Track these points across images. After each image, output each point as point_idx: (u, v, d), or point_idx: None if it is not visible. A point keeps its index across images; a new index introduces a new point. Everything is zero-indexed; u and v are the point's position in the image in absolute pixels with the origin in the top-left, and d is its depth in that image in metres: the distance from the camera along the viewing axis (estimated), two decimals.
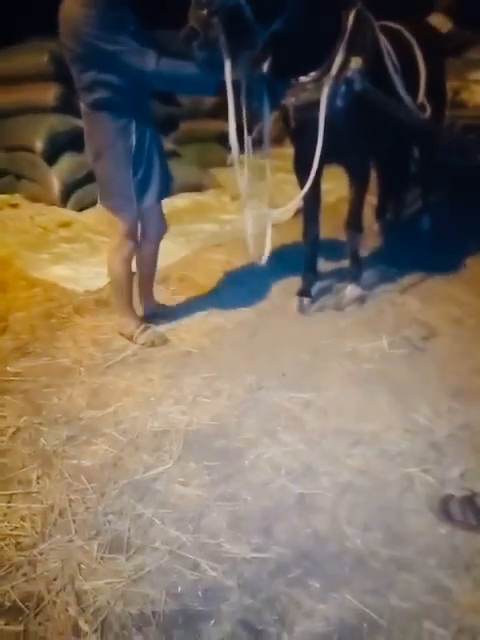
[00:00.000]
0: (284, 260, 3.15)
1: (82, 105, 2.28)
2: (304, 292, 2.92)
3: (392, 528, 1.71)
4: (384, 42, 2.47)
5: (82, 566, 1.64)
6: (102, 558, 1.67)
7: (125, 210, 2.38)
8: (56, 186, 4.15)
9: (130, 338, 2.60)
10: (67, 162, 4.15)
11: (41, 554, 1.68)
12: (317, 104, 2.27)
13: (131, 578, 1.60)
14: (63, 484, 1.91)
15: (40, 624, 1.50)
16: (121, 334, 2.64)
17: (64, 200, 4.19)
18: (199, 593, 1.56)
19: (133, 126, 2.25)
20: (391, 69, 2.49)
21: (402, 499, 1.80)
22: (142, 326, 2.61)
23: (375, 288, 2.98)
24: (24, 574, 1.63)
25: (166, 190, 2.51)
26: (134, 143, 2.26)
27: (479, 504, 1.69)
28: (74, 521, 1.77)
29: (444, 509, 1.72)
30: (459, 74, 3.45)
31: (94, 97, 2.20)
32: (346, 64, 2.29)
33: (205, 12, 1.78)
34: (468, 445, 1.98)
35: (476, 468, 1.89)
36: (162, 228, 2.61)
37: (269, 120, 2.40)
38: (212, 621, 1.48)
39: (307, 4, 2.08)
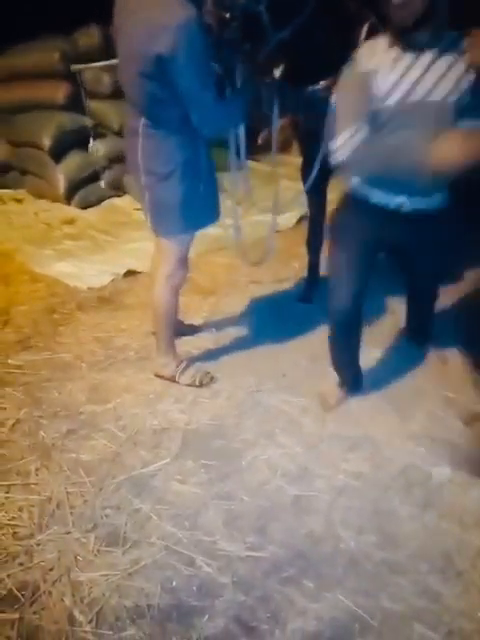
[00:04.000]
0: (287, 267, 3.19)
1: (143, 121, 1.99)
2: (305, 298, 2.95)
3: (386, 531, 1.73)
4: None
5: (78, 558, 1.67)
6: (98, 551, 1.69)
7: (186, 235, 2.18)
8: (61, 183, 4.17)
9: (171, 379, 2.36)
10: (73, 160, 4.18)
11: (38, 545, 1.70)
12: (326, 112, 2.31)
13: (127, 571, 1.62)
14: (61, 477, 1.93)
15: (35, 613, 1.52)
16: (157, 376, 2.39)
17: (69, 197, 4.21)
18: (194, 588, 1.58)
19: (203, 148, 2.05)
20: None
21: (396, 503, 1.83)
22: (183, 364, 2.38)
23: (375, 296, 3.01)
24: (20, 563, 1.65)
25: (218, 214, 2.26)
26: (204, 165, 2.08)
27: None
28: (72, 513, 1.79)
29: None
30: None
31: (168, 114, 1.95)
32: None
33: (227, 15, 1.81)
34: (461, 452, 2.01)
35: (470, 471, 1.92)
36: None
37: (277, 127, 2.44)
38: (206, 616, 1.51)
39: (321, 15, 2.12)
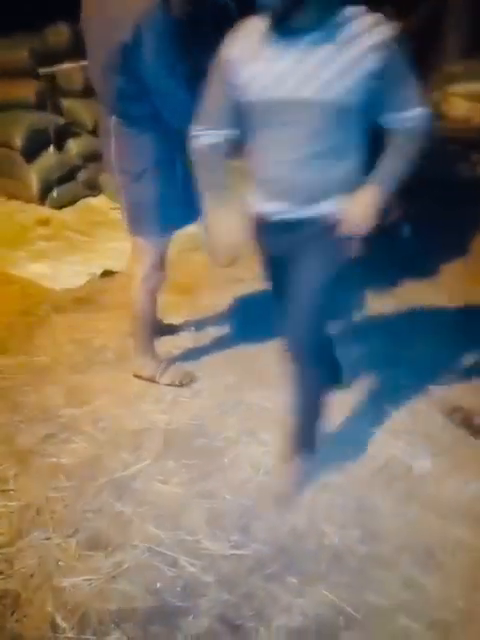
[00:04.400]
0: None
1: (114, 119, 1.95)
2: None
3: (368, 526, 1.74)
4: None
5: (60, 563, 1.64)
6: (80, 555, 1.66)
7: (162, 236, 2.15)
8: (34, 183, 4.10)
9: (151, 380, 2.33)
10: (46, 160, 4.11)
11: (18, 551, 1.67)
12: None
13: (110, 575, 1.60)
14: (40, 482, 1.90)
15: (17, 621, 1.49)
16: (137, 376, 2.35)
17: (42, 198, 4.15)
18: (177, 589, 1.57)
19: (178, 145, 1.93)
20: None
21: (378, 498, 1.84)
22: (163, 364, 2.35)
23: (355, 294, 3.03)
24: (0, 572, 1.62)
25: (197, 213, 2.13)
26: (180, 164, 2.01)
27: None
28: (52, 519, 1.77)
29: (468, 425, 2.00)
30: (439, 87, 3.56)
31: (139, 110, 1.91)
32: None
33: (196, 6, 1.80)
34: (441, 444, 2.04)
35: (446, 462, 1.95)
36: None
37: None
38: (190, 616, 1.50)
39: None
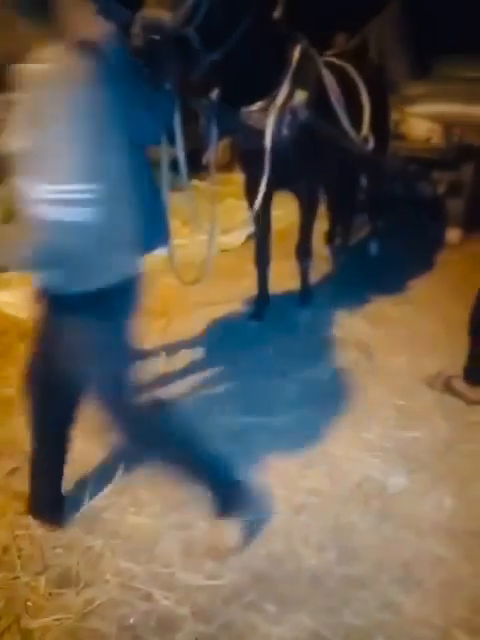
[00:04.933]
0: (238, 286, 3.20)
1: None
2: (256, 315, 2.96)
3: (346, 546, 1.72)
4: (328, 76, 2.59)
5: (28, 604, 1.57)
6: (50, 594, 1.60)
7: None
8: None
9: None
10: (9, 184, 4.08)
11: None
12: (263, 133, 2.35)
13: (81, 613, 1.54)
14: (6, 519, 1.82)
15: None
16: None
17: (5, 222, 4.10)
18: (152, 624, 1.51)
19: (144, 169, 1.86)
20: (334, 102, 2.61)
21: (355, 517, 1.82)
22: None
23: (325, 311, 3.05)
24: None
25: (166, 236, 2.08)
26: (146, 188, 1.89)
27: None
28: (19, 557, 1.70)
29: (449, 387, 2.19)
30: (398, 108, 3.67)
31: None
32: (291, 96, 2.39)
33: (156, 38, 1.81)
34: (416, 460, 2.04)
35: (421, 479, 1.94)
36: None
37: (216, 148, 2.45)
38: None
39: (252, 38, 2.16)
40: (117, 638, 1.48)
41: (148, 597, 1.58)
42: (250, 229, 3.46)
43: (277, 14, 2.33)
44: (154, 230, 2.12)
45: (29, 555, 1.70)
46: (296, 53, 2.43)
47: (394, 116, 3.65)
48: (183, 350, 2.72)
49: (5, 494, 1.91)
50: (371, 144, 2.92)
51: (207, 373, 2.55)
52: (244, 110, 2.38)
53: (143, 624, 1.51)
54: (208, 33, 1.94)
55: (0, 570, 1.66)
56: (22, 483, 1.94)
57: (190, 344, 2.76)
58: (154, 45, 1.81)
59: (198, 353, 2.70)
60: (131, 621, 1.52)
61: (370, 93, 2.94)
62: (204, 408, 2.31)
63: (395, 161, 3.67)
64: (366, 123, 2.90)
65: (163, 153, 2.05)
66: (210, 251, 2.47)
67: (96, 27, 1.32)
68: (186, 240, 3.59)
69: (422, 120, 3.95)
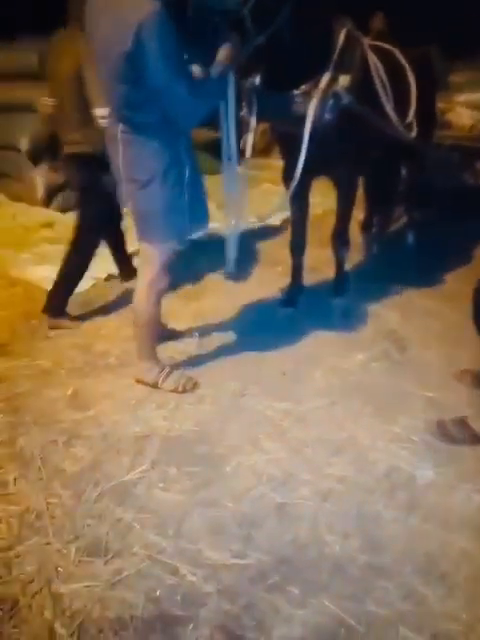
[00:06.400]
0: (272, 271, 3.19)
1: (121, 126, 1.97)
2: (289, 302, 2.95)
3: (370, 535, 1.73)
4: (374, 61, 2.53)
5: (59, 569, 1.63)
6: (80, 562, 1.65)
7: (173, 241, 2.14)
8: (40, 186, 4.12)
9: (154, 385, 2.32)
10: (52, 163, 4.12)
11: (17, 557, 1.66)
12: (305, 117, 2.32)
13: (109, 582, 1.59)
14: (41, 487, 1.88)
15: (15, 627, 1.48)
16: (140, 382, 2.34)
17: (47, 201, 4.16)
18: (177, 598, 1.55)
19: (185, 152, 2.03)
20: (379, 87, 2.55)
21: (380, 507, 1.82)
22: (166, 369, 2.34)
23: (359, 301, 3.03)
24: None
25: (205, 219, 2.23)
26: (188, 167, 2.04)
27: (471, 425, 2.03)
28: (52, 524, 1.75)
29: (443, 432, 2.06)
30: (445, 96, 3.58)
31: (145, 118, 1.93)
32: (334, 80, 2.35)
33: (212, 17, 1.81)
34: (445, 454, 2.03)
35: (450, 472, 1.93)
36: None
37: (256, 131, 2.43)
38: (190, 626, 1.48)
39: (299, 21, 2.13)
40: (143, 609, 1.52)
41: (175, 571, 1.62)
42: (286, 213, 3.44)
43: None
44: (194, 213, 2.14)
45: (61, 523, 1.76)
46: (341, 37, 2.39)
47: (440, 104, 3.56)
48: (216, 333, 2.73)
49: (40, 462, 1.97)
50: (415, 131, 2.86)
51: (238, 357, 2.56)
52: (286, 94, 2.35)
53: (169, 597, 1.55)
54: (259, 15, 1.91)
55: (33, 535, 1.72)
56: (57, 453, 2.01)
57: (222, 328, 2.78)
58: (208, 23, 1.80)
59: (230, 337, 2.72)
60: (157, 594, 1.56)
61: (417, 79, 2.87)
62: (236, 390, 2.33)
63: (438, 150, 3.58)
64: (412, 109, 2.84)
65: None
66: (231, 237, 2.46)
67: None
68: (220, 224, 3.59)
69: (467, 108, 3.85)
